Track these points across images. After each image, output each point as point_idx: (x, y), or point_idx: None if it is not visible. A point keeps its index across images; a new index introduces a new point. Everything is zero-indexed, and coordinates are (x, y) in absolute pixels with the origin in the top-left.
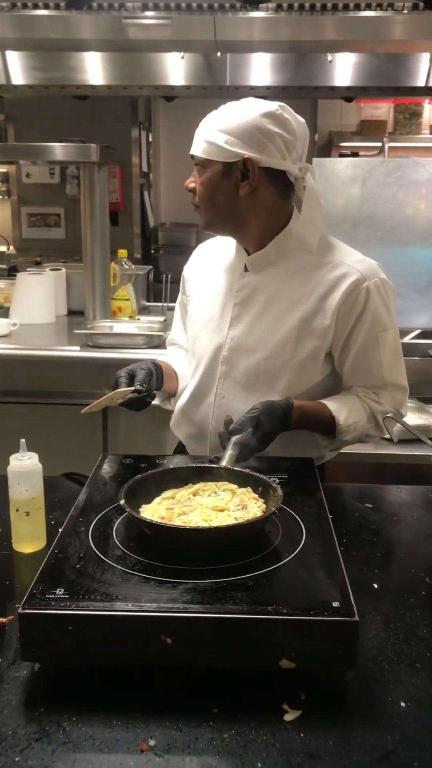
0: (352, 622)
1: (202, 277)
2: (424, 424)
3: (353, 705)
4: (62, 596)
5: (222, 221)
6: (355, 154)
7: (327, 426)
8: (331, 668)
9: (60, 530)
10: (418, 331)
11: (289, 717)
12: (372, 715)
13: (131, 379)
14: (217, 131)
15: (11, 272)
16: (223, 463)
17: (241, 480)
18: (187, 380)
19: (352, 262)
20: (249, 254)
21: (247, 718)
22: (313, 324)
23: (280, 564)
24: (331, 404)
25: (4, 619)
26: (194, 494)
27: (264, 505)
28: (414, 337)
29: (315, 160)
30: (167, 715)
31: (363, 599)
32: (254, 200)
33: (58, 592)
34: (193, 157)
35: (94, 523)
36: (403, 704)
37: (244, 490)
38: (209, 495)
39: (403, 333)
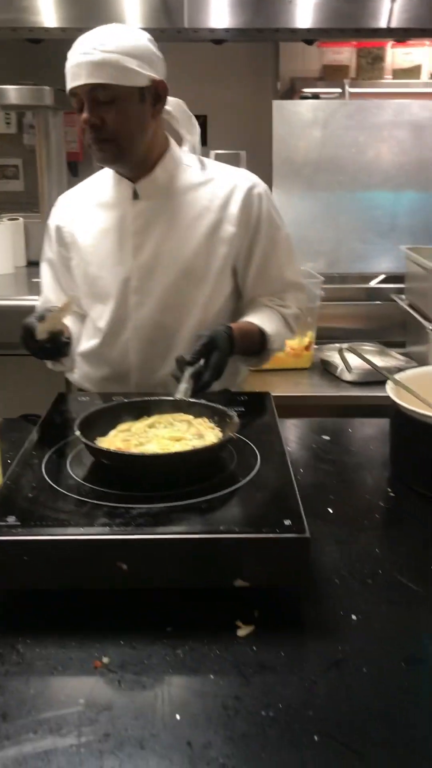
0: (303, 538)
1: (80, 221)
2: (385, 367)
3: (305, 620)
4: (13, 523)
5: (135, 151)
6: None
7: (258, 342)
8: (283, 585)
9: (12, 464)
10: (382, 277)
11: (242, 632)
12: (324, 628)
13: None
14: (123, 56)
15: None
16: (178, 395)
17: (197, 410)
18: (76, 341)
19: (236, 172)
20: (133, 182)
21: (200, 635)
22: (221, 233)
23: (233, 488)
24: (253, 319)
25: None
26: (150, 426)
27: (221, 434)
28: (378, 282)
29: (275, 102)
30: (121, 635)
31: (317, 523)
32: (155, 124)
33: (9, 519)
34: (92, 88)
35: (47, 455)
36: (354, 617)
37: (200, 420)
38: (165, 427)
39: (367, 278)
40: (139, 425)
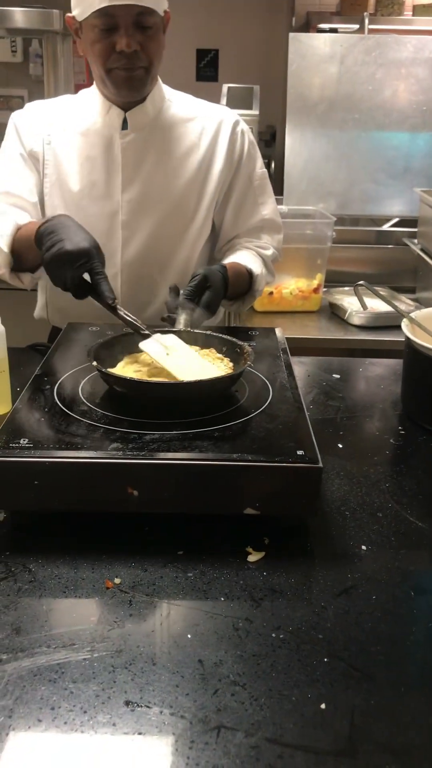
0: (315, 468)
1: (62, 144)
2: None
3: (315, 549)
4: (26, 445)
5: (154, 82)
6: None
7: (245, 282)
8: (294, 515)
9: (23, 390)
10: (395, 220)
11: (252, 558)
12: (333, 557)
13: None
14: None
15: None
16: (180, 326)
17: (204, 341)
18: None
19: (219, 109)
20: (125, 111)
21: (211, 559)
22: (210, 169)
23: (245, 418)
24: (238, 259)
25: None
26: None
27: (230, 365)
28: (391, 226)
29: (291, 35)
30: (133, 557)
31: (327, 458)
32: None
33: (22, 441)
34: (140, 12)
35: (59, 382)
36: (363, 547)
37: (207, 351)
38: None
39: (378, 221)
40: (146, 356)
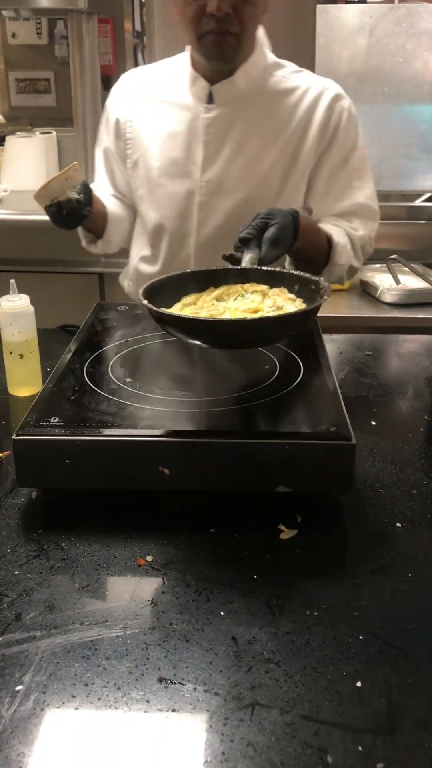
0: (348, 445)
1: (144, 117)
2: (428, 288)
3: (349, 526)
4: (57, 424)
5: (247, 50)
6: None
7: (323, 246)
8: (326, 492)
9: (53, 369)
10: (427, 195)
11: (285, 536)
12: (367, 535)
13: None
14: None
15: (0, 143)
16: (245, 264)
17: (272, 280)
18: (118, 224)
19: (321, 81)
20: (211, 84)
21: (243, 537)
22: (300, 150)
23: (277, 395)
24: (319, 224)
25: (1, 454)
26: (217, 300)
27: (303, 305)
28: (423, 201)
29: (319, 7)
30: (164, 535)
31: (361, 435)
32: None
33: (52, 420)
34: None
35: (89, 361)
36: (398, 525)
37: (276, 290)
38: (235, 299)
39: (410, 196)
40: (206, 297)
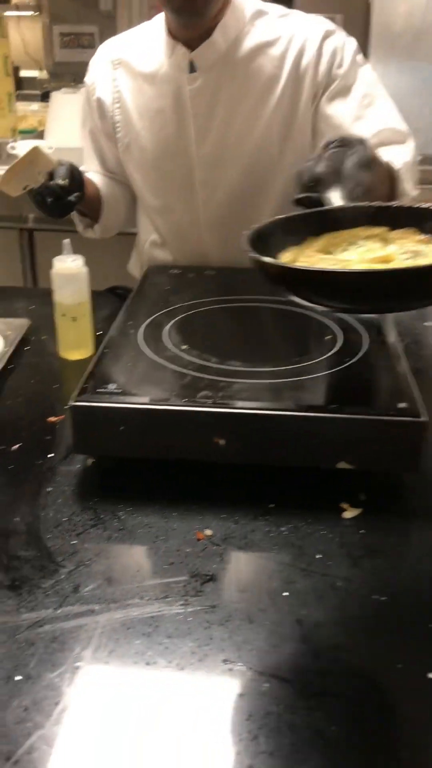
0: (419, 422)
1: (129, 96)
2: None
3: (416, 507)
4: (114, 391)
5: (225, 4)
6: None
7: (385, 179)
8: (392, 470)
9: (108, 333)
10: None
11: (348, 515)
12: None
13: (50, 176)
14: None
15: (44, 99)
16: (337, 201)
17: (392, 219)
18: (114, 206)
19: (309, 21)
20: (190, 50)
21: (304, 513)
22: (298, 103)
23: (340, 367)
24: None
25: (55, 419)
26: (322, 251)
27: None
28: None
29: None
30: (223, 509)
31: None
32: None
33: (110, 386)
34: None
35: (143, 326)
36: None
37: (400, 232)
38: (344, 250)
39: None
40: (308, 251)
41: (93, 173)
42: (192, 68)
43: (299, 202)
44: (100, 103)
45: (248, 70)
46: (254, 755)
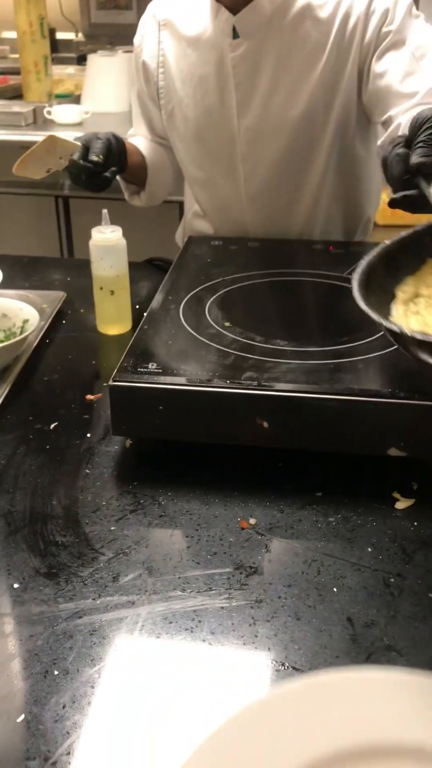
0: None
1: (173, 61)
2: None
3: None
4: (155, 370)
5: None
6: None
7: None
8: None
9: (148, 309)
10: None
11: (400, 505)
12: None
13: (86, 150)
14: None
15: (80, 62)
16: None
17: None
18: (160, 173)
19: None
20: (234, 14)
21: (353, 503)
22: (344, 70)
23: (394, 347)
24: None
25: (93, 397)
26: None
27: None
28: None
29: None
30: (267, 496)
31: None
32: None
33: (150, 366)
34: None
35: (184, 301)
36: None
37: None
38: None
39: None
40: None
41: (141, 138)
42: (236, 34)
43: (395, 204)
44: (145, 66)
45: (294, 37)
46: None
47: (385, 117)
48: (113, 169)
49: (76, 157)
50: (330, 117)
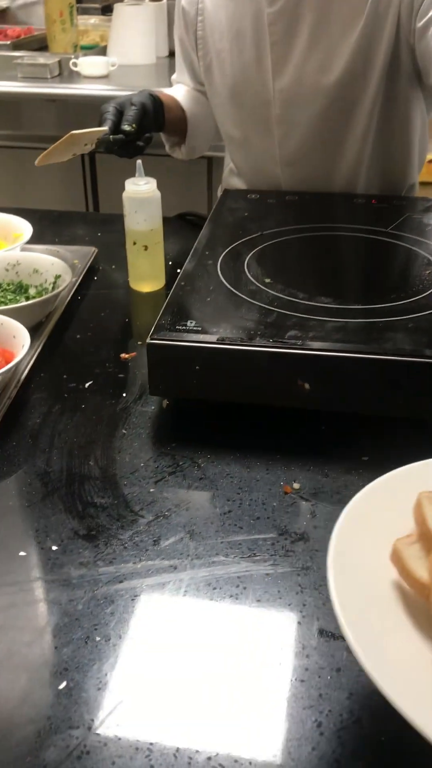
0: None
1: (210, 11)
2: None
3: None
4: (193, 328)
5: None
6: None
7: None
8: None
9: (184, 265)
10: None
11: None
12: None
13: (120, 116)
14: None
15: (105, 12)
16: None
17: None
18: (202, 126)
19: None
20: None
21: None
22: (382, 34)
23: None
24: None
25: (127, 356)
26: None
27: None
28: None
29: None
30: (311, 460)
31: None
32: None
33: (188, 324)
34: None
35: (222, 256)
36: None
37: None
38: None
39: None
40: None
41: (182, 87)
42: None
43: None
44: (184, 13)
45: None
46: (357, 738)
47: None
48: (147, 135)
49: (107, 128)
50: (369, 83)
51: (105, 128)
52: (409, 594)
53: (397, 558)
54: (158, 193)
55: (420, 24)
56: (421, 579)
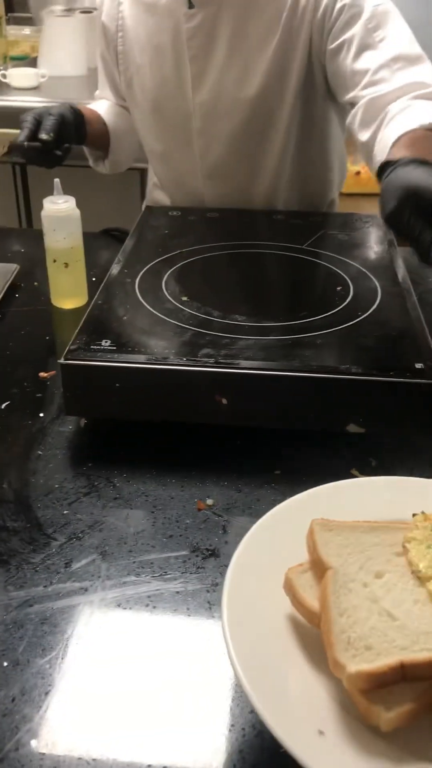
0: None
1: (130, 27)
2: None
3: (430, 473)
4: (108, 347)
5: None
6: None
7: None
8: (405, 435)
9: (102, 282)
10: None
11: None
12: None
13: (38, 125)
14: None
15: (37, 22)
16: None
17: None
18: (125, 140)
19: None
20: None
21: (312, 481)
22: (296, 48)
23: (351, 323)
24: (403, 127)
25: (46, 375)
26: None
27: None
28: None
29: None
30: (225, 476)
31: None
32: None
33: (103, 343)
34: None
35: (141, 274)
36: None
37: None
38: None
39: None
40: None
41: (105, 103)
42: (191, 4)
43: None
44: (105, 29)
45: (250, 8)
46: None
47: (347, 98)
48: (66, 145)
49: (21, 138)
50: (285, 99)
51: (17, 131)
52: (302, 624)
53: (289, 587)
54: (77, 211)
55: (331, 46)
56: (312, 608)
